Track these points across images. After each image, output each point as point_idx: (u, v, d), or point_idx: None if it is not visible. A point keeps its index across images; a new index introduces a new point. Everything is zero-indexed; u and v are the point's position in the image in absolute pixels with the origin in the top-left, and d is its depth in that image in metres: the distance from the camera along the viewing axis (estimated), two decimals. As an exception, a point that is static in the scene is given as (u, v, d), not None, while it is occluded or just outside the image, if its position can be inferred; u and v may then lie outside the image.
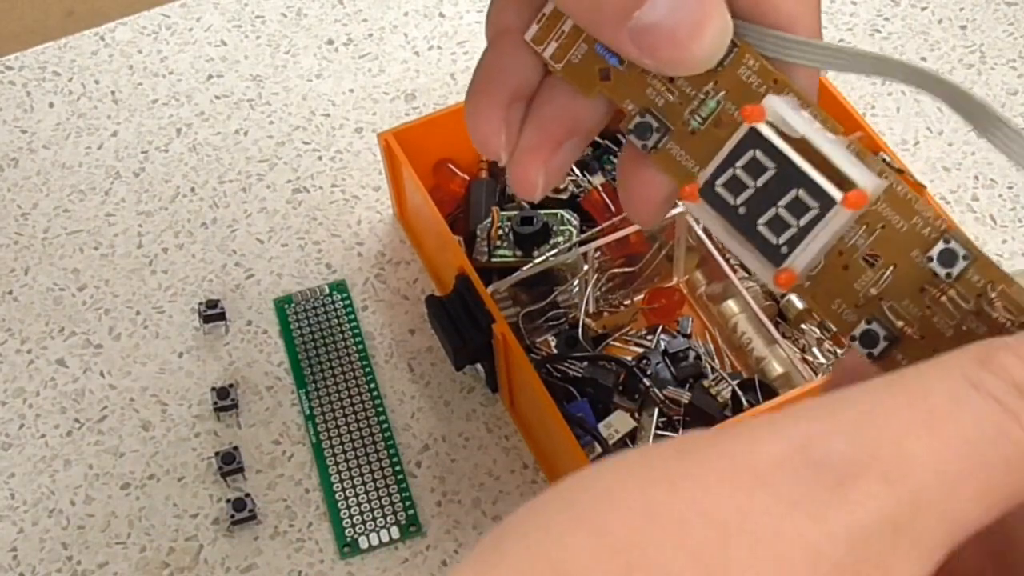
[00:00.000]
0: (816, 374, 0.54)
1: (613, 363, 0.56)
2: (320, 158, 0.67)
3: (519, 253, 0.58)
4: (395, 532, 0.54)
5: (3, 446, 0.57)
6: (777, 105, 0.29)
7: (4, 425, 0.58)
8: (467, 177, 0.62)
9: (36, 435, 0.57)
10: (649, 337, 0.58)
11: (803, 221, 0.28)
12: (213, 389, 0.58)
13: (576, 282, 0.58)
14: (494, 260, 0.58)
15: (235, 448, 0.56)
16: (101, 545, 0.54)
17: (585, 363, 0.55)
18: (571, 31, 0.31)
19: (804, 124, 0.28)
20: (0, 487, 0.56)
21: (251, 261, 0.63)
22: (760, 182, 0.29)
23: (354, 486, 0.55)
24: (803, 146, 0.28)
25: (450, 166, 0.62)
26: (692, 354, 0.57)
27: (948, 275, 0.29)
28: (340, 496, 0.55)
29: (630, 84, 0.31)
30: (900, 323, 0.29)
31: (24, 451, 0.57)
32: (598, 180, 0.61)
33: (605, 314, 0.60)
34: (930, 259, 0.29)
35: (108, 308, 0.61)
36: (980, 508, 0.22)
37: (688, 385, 0.55)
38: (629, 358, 0.56)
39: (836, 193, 0.28)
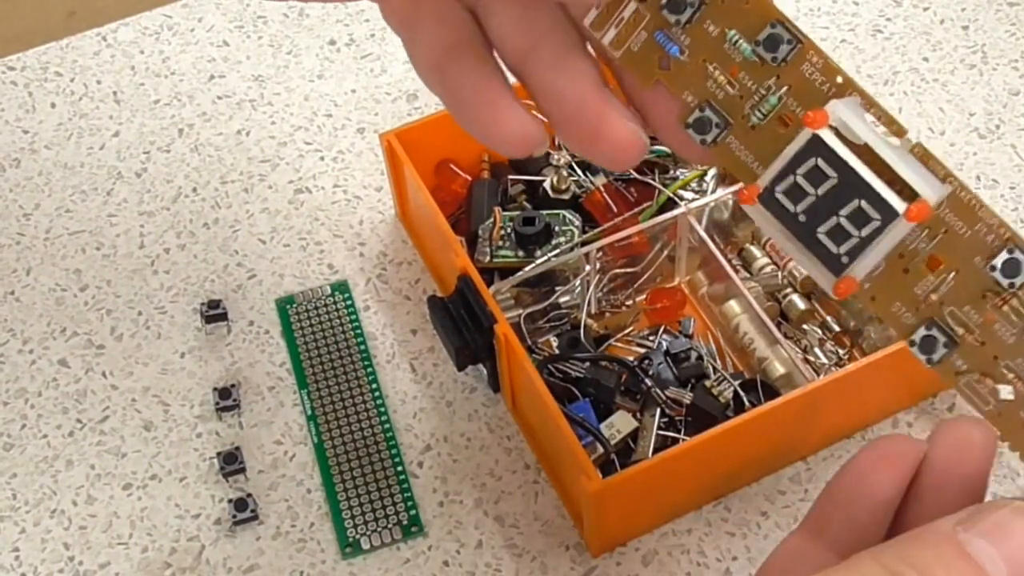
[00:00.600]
0: (818, 374, 0.54)
1: (615, 363, 0.56)
2: (322, 158, 0.67)
3: (521, 253, 0.58)
4: (397, 532, 0.54)
5: (5, 446, 0.57)
6: (840, 110, 0.28)
7: (6, 425, 0.58)
8: (469, 177, 0.62)
9: (38, 435, 0.57)
10: (651, 337, 0.58)
11: (865, 232, 0.28)
12: (215, 389, 0.58)
13: (578, 282, 0.58)
14: (496, 260, 0.58)
15: (237, 448, 0.56)
16: (103, 545, 0.54)
17: (587, 363, 0.55)
18: (631, 17, 0.31)
19: (867, 130, 0.28)
20: (2, 487, 0.56)
21: (253, 261, 0.63)
22: (821, 190, 0.28)
23: (356, 486, 0.55)
24: (866, 152, 0.28)
25: (452, 166, 0.62)
26: (694, 354, 0.57)
27: (1011, 285, 0.28)
28: (342, 496, 0.55)
29: (690, 75, 0.31)
30: (960, 329, 0.29)
31: (26, 451, 0.57)
32: (600, 180, 0.61)
33: (607, 314, 0.60)
34: (993, 268, 0.28)
35: (110, 308, 0.61)
36: None
37: (690, 385, 0.55)
38: (631, 358, 0.56)
39: (899, 205, 0.28)
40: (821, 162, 0.28)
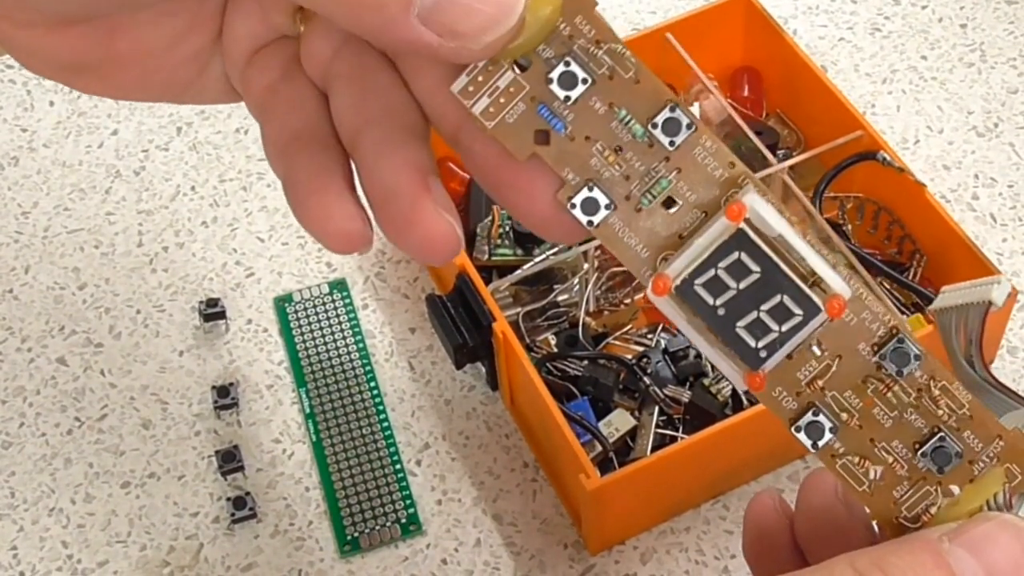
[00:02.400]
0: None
1: (613, 362, 0.56)
2: (320, 157, 0.67)
3: (519, 252, 0.58)
4: (395, 531, 0.54)
5: (3, 444, 0.57)
6: (756, 202, 0.28)
7: (4, 423, 0.58)
8: (468, 176, 0.62)
9: (36, 433, 0.57)
10: (649, 336, 0.58)
11: (785, 327, 0.28)
12: (213, 387, 0.58)
13: (576, 281, 0.58)
14: (494, 259, 0.58)
15: (235, 446, 0.56)
16: (101, 544, 0.54)
17: (585, 362, 0.55)
18: (507, 87, 0.29)
19: (781, 222, 0.28)
20: (0, 485, 0.56)
21: (251, 260, 0.63)
22: (743, 284, 0.28)
23: (354, 484, 0.55)
24: (780, 246, 0.28)
25: (451, 165, 0.62)
26: (692, 353, 0.57)
27: (899, 373, 0.29)
28: (340, 495, 0.55)
29: (572, 152, 0.29)
30: (844, 414, 0.30)
31: (24, 449, 0.57)
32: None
33: (605, 313, 0.60)
34: (883, 356, 0.29)
35: (108, 307, 0.61)
36: None
37: (688, 384, 0.55)
38: (629, 357, 0.56)
39: (820, 301, 0.28)
40: (745, 256, 0.28)
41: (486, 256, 0.58)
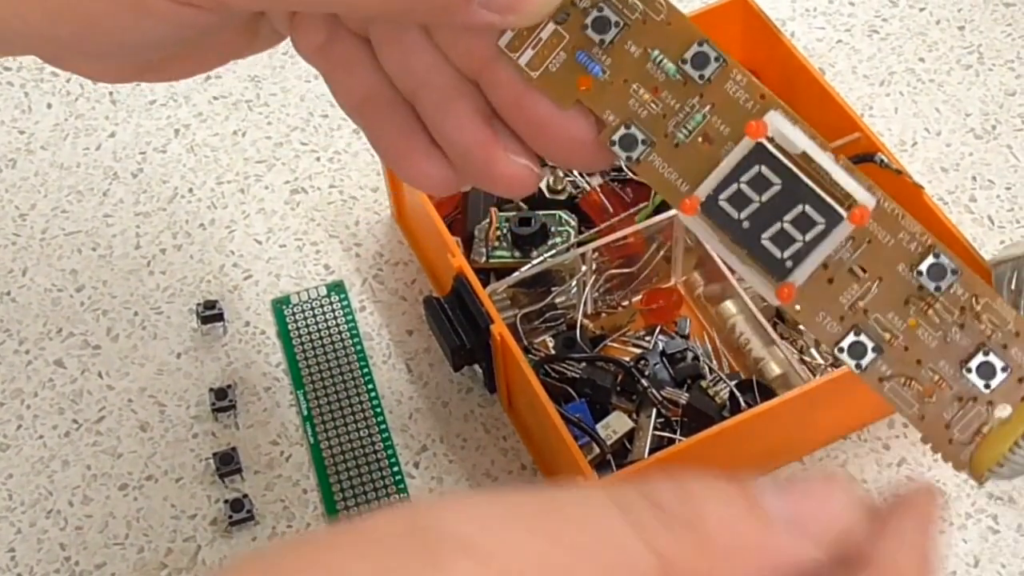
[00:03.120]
0: (814, 375, 0.54)
1: (611, 364, 0.56)
2: (318, 159, 0.67)
3: (517, 254, 0.58)
4: (393, 533, 0.54)
5: (1, 447, 0.57)
6: (778, 121, 0.29)
7: (2, 426, 0.58)
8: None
9: (34, 436, 0.57)
10: (647, 338, 0.58)
11: (809, 236, 0.29)
12: (211, 390, 0.58)
13: (574, 283, 0.58)
14: (492, 261, 0.58)
15: (233, 449, 0.56)
16: (99, 546, 0.54)
17: (583, 364, 0.55)
18: (549, 39, 0.31)
19: (804, 139, 0.29)
20: (-2, 488, 0.56)
21: (249, 262, 0.63)
22: (765, 197, 0.29)
23: (352, 487, 0.55)
24: (803, 161, 0.29)
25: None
26: (690, 355, 0.57)
27: (937, 288, 0.29)
28: (338, 497, 0.55)
29: (611, 95, 0.31)
30: (886, 335, 0.30)
31: (22, 452, 0.57)
32: (596, 181, 0.61)
33: (603, 315, 0.60)
34: (920, 273, 0.29)
35: (106, 309, 0.61)
36: None
37: (686, 386, 0.55)
38: (627, 359, 0.56)
39: (842, 209, 0.28)
40: (765, 169, 0.29)
41: (484, 258, 0.58)
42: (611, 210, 0.60)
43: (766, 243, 0.29)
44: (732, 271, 0.57)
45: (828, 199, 0.29)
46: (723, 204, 0.29)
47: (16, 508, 0.55)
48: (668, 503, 0.24)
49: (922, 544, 0.26)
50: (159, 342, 0.60)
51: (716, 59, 0.30)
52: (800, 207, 0.29)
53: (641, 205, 0.60)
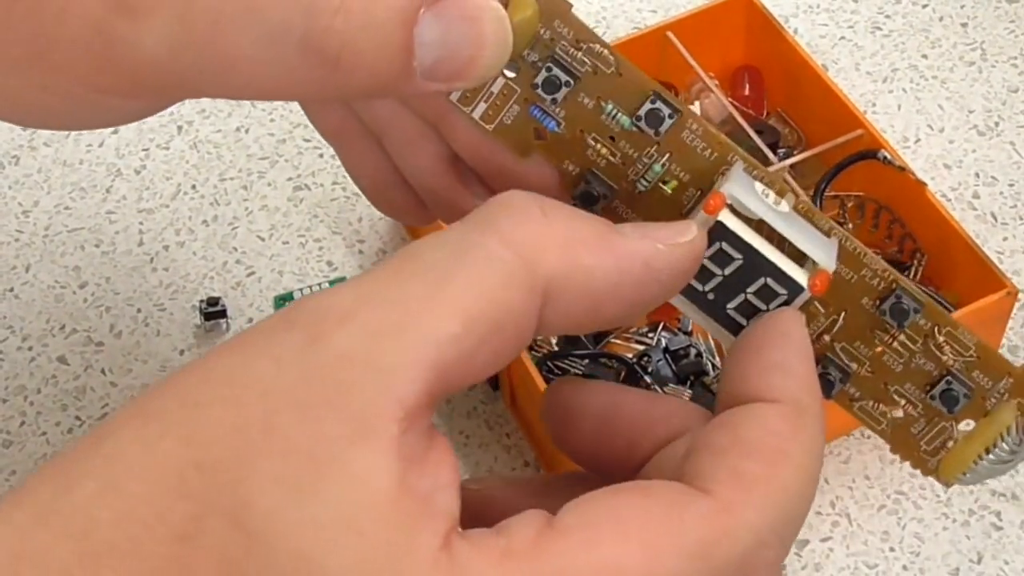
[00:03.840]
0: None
1: (614, 360, 0.56)
2: (321, 155, 0.67)
3: (520, 251, 0.58)
4: (396, 529, 0.54)
5: (4, 443, 0.57)
6: (735, 190, 0.29)
7: (5, 423, 0.58)
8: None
9: (37, 432, 0.58)
10: (650, 335, 0.58)
11: (772, 306, 0.30)
12: (214, 386, 0.58)
13: (577, 280, 0.58)
14: (495, 258, 0.58)
15: (236, 445, 0.56)
16: (102, 542, 0.54)
17: (586, 360, 0.55)
18: (501, 91, 0.30)
19: (760, 205, 0.29)
20: (1, 485, 0.56)
21: (252, 259, 0.63)
22: (728, 271, 0.29)
23: (355, 483, 0.55)
24: (762, 225, 0.29)
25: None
26: (693, 351, 0.57)
27: (900, 326, 0.31)
28: (341, 493, 0.55)
29: (568, 146, 0.31)
30: (853, 364, 0.31)
31: (25, 448, 0.57)
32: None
33: (606, 312, 0.59)
34: (883, 312, 0.30)
35: (109, 306, 0.62)
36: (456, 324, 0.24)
37: (689, 382, 0.55)
38: (630, 355, 0.56)
39: (802, 279, 0.29)
40: (726, 246, 0.29)
41: (487, 255, 0.58)
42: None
43: (731, 313, 0.30)
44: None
45: (788, 271, 0.29)
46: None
47: (19, 504, 0.55)
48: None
49: (812, 372, 0.28)
50: (162, 339, 0.60)
51: (670, 115, 0.30)
52: (762, 280, 0.29)
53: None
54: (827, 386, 0.31)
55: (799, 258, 0.29)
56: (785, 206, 0.30)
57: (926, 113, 0.67)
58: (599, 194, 0.31)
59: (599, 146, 0.31)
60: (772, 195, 0.30)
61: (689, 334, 0.58)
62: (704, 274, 0.29)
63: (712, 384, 0.54)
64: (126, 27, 0.27)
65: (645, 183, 0.31)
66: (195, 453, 0.23)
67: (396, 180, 0.35)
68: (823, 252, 0.29)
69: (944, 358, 0.30)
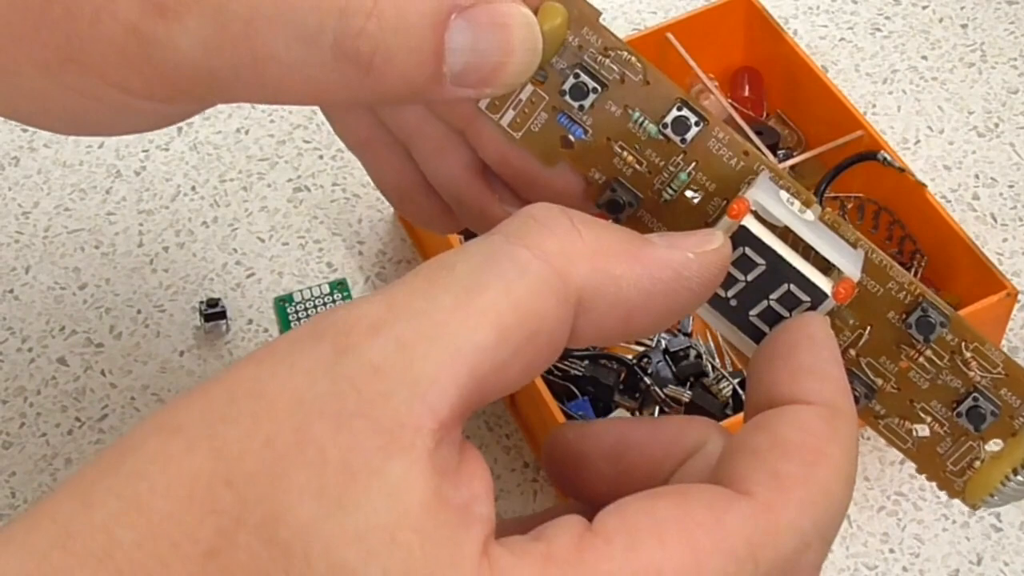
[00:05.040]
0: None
1: (614, 362, 0.56)
2: (321, 157, 0.67)
3: (520, 252, 0.58)
4: (396, 531, 0.54)
5: (4, 445, 0.57)
6: (760, 196, 0.29)
7: (5, 424, 0.58)
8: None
9: (37, 434, 0.58)
10: (650, 336, 0.58)
11: (795, 313, 0.29)
12: (214, 388, 0.58)
13: (577, 281, 0.58)
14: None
15: (236, 447, 0.56)
16: (102, 544, 0.54)
17: (586, 361, 0.55)
18: (529, 99, 0.31)
19: (785, 212, 0.29)
20: (1, 486, 0.56)
21: (252, 260, 0.63)
22: (751, 277, 0.29)
23: (355, 485, 0.55)
24: (787, 233, 0.29)
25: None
26: (693, 352, 0.57)
27: (926, 340, 0.30)
28: (341, 495, 0.55)
29: (594, 154, 0.31)
30: (879, 380, 0.31)
31: (25, 450, 0.57)
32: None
33: (606, 313, 0.59)
34: (909, 325, 0.30)
35: (109, 307, 0.61)
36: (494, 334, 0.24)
37: (689, 384, 0.55)
38: (630, 356, 0.56)
39: (826, 286, 0.29)
40: (749, 251, 0.29)
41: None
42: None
43: (754, 319, 0.30)
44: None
45: (812, 278, 0.29)
46: None
47: (19, 506, 0.55)
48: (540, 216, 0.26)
49: (844, 376, 0.28)
50: (162, 340, 0.60)
51: (696, 123, 0.30)
52: (785, 286, 0.29)
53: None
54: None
55: (824, 268, 0.29)
56: (811, 215, 0.30)
57: (926, 114, 0.67)
58: (625, 202, 0.31)
59: (626, 154, 0.31)
60: (798, 204, 0.30)
61: (689, 335, 0.58)
62: (727, 279, 0.29)
63: (711, 385, 0.54)
64: (160, 28, 0.27)
65: (671, 192, 0.31)
66: (225, 467, 0.23)
67: (423, 188, 0.35)
68: (848, 261, 0.29)
69: (971, 374, 0.30)
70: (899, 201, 0.58)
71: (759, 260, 0.29)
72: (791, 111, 0.65)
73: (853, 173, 0.57)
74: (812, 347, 0.28)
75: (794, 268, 0.29)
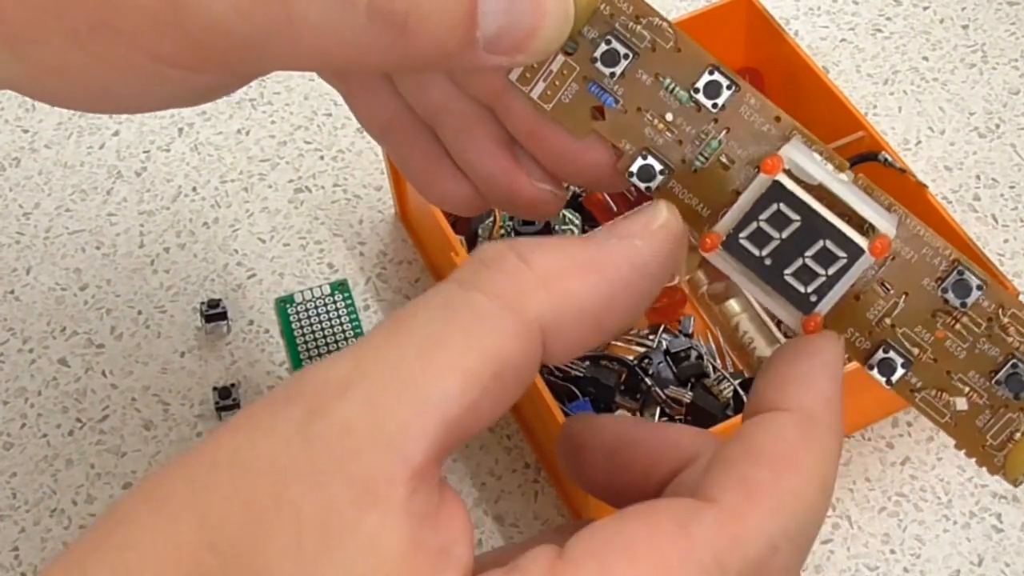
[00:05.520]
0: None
1: (615, 362, 0.56)
2: (322, 157, 0.67)
3: (521, 253, 0.58)
4: (397, 532, 0.54)
5: (5, 445, 0.57)
6: (794, 154, 0.29)
7: (6, 424, 0.58)
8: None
9: (38, 434, 0.58)
10: (651, 336, 0.58)
11: (831, 270, 0.29)
12: (215, 389, 0.58)
13: (578, 282, 0.58)
14: (496, 260, 0.58)
15: (237, 447, 0.56)
16: (103, 544, 0.54)
17: (587, 362, 0.55)
18: (560, 70, 0.31)
19: (820, 171, 0.29)
20: (2, 486, 0.56)
21: (253, 261, 0.63)
22: (785, 234, 0.29)
23: (356, 486, 0.55)
24: (821, 192, 0.29)
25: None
26: (694, 353, 0.57)
27: (963, 304, 0.29)
28: (342, 495, 0.55)
29: (625, 124, 0.31)
30: (915, 349, 0.30)
31: (26, 450, 0.57)
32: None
33: (607, 314, 0.59)
34: (944, 290, 0.29)
35: (110, 308, 0.62)
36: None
37: (690, 385, 0.55)
38: (631, 357, 0.56)
39: (862, 242, 0.28)
40: (784, 207, 0.29)
41: (487, 257, 0.58)
42: (615, 208, 0.60)
43: (789, 279, 0.29)
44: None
45: (848, 233, 0.29)
46: (744, 242, 0.29)
47: (20, 507, 0.55)
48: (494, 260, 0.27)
49: (833, 389, 0.28)
50: (163, 341, 0.60)
51: (728, 87, 0.30)
52: (821, 242, 0.29)
53: (645, 204, 0.60)
54: (888, 371, 0.30)
55: (859, 227, 0.29)
56: (844, 177, 0.29)
57: (927, 115, 0.67)
58: (656, 172, 0.31)
59: (657, 122, 0.31)
60: (831, 167, 0.29)
61: (690, 336, 0.58)
62: (761, 237, 0.29)
63: (712, 386, 0.54)
64: None
65: (702, 159, 0.30)
66: (208, 534, 0.23)
67: (449, 170, 0.35)
68: (884, 220, 0.29)
69: (1010, 340, 0.29)
70: (900, 201, 0.58)
71: (794, 216, 0.29)
72: (792, 112, 0.64)
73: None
74: (808, 358, 0.28)
75: (830, 223, 0.29)
